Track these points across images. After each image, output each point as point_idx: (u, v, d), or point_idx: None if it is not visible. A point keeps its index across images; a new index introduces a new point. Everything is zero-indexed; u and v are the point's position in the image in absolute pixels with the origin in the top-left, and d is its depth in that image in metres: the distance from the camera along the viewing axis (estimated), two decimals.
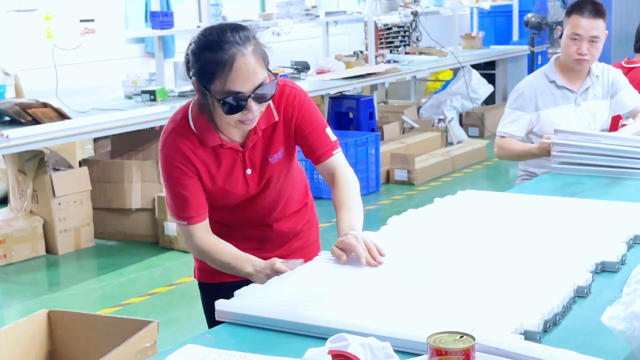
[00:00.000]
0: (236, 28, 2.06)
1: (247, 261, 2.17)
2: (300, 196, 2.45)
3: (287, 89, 2.24)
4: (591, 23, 3.45)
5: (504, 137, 3.56)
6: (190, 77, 2.11)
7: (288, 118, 2.24)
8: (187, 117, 2.18)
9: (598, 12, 3.46)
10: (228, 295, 1.93)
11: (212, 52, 2.01)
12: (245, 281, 2.12)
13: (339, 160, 2.29)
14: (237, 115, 2.06)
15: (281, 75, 6.09)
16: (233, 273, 2.21)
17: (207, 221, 2.23)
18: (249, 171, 2.23)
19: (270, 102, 2.15)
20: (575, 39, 3.45)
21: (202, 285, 2.48)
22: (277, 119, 2.23)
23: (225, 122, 2.10)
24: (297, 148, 2.34)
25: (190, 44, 2.10)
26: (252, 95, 2.04)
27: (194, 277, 2.49)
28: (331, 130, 2.31)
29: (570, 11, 3.50)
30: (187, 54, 2.10)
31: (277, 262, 2.11)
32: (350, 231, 2.12)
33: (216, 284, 2.35)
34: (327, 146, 2.28)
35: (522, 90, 3.58)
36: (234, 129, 2.15)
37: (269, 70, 2.09)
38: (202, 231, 2.22)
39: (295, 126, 2.25)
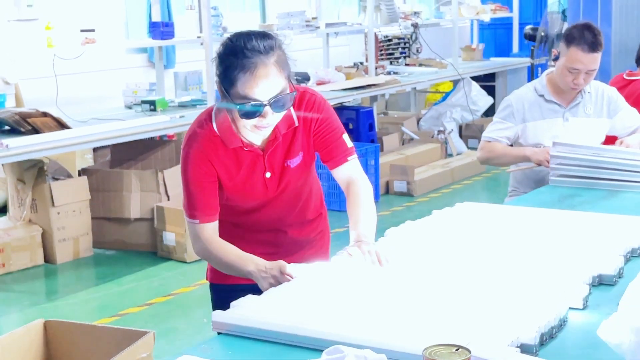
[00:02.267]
0: (263, 36, 2.12)
1: (249, 260, 2.20)
2: (316, 206, 2.50)
3: (307, 95, 2.31)
4: (590, 58, 3.35)
5: (489, 141, 3.56)
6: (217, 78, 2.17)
7: (308, 123, 2.31)
8: (211, 118, 2.25)
9: (597, 45, 3.34)
10: (238, 297, 1.98)
11: (236, 58, 2.08)
12: (256, 284, 2.15)
13: (354, 166, 2.36)
14: (253, 121, 2.12)
15: None
16: (235, 274, 2.25)
17: (216, 224, 2.29)
18: (268, 174, 2.29)
19: (291, 107, 2.22)
20: (572, 72, 3.40)
21: (213, 287, 2.52)
22: (297, 124, 2.29)
23: (242, 125, 2.16)
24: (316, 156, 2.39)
25: (220, 46, 2.16)
26: (269, 104, 2.09)
27: (206, 279, 2.53)
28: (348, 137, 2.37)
29: (569, 41, 3.37)
30: (216, 55, 2.16)
31: (287, 267, 2.13)
32: (363, 239, 2.18)
33: (228, 286, 2.38)
34: (343, 152, 2.35)
35: (510, 102, 3.58)
36: (252, 133, 2.21)
37: (290, 81, 2.14)
38: (211, 231, 2.28)
39: (314, 131, 2.31)
